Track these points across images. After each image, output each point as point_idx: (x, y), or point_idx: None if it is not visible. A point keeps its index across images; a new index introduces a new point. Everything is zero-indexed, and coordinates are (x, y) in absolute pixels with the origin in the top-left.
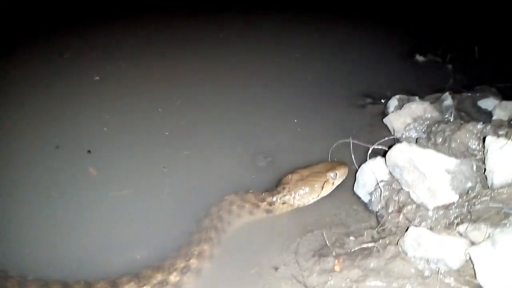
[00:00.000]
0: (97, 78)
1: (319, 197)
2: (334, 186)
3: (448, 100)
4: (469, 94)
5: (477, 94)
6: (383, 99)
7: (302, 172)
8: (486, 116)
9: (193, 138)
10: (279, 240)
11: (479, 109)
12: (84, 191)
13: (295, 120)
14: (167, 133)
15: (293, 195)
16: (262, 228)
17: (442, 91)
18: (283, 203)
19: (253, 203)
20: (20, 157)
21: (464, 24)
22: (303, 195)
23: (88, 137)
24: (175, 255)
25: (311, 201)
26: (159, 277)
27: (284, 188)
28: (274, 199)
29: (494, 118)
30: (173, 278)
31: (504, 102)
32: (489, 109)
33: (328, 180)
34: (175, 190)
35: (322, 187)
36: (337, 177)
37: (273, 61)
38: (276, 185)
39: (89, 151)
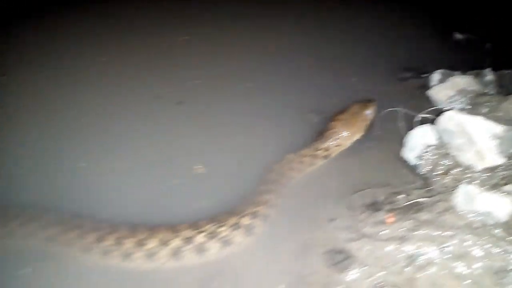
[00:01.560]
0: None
1: (362, 134)
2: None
3: (489, 75)
4: (509, 71)
5: None
6: (424, 74)
7: (342, 117)
8: None
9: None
10: (331, 198)
11: None
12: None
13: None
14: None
15: (343, 136)
16: (314, 188)
17: (482, 68)
18: (337, 145)
19: (311, 155)
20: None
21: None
22: (351, 134)
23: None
24: (244, 203)
25: (358, 137)
26: (233, 220)
27: (333, 133)
28: (328, 144)
29: None
30: (245, 221)
31: None
32: None
33: (366, 117)
34: (236, 149)
35: (364, 125)
36: (372, 113)
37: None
38: (321, 133)
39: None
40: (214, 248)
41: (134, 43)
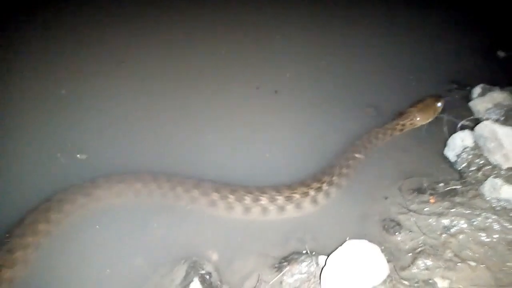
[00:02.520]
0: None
1: (431, 119)
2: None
3: None
4: None
5: None
6: (467, 87)
7: (418, 105)
8: None
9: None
10: (387, 181)
11: None
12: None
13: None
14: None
15: (417, 118)
16: (373, 173)
17: None
18: (410, 123)
19: (391, 128)
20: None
21: None
22: (422, 117)
23: None
24: (322, 172)
25: (428, 121)
26: (316, 185)
27: (409, 115)
28: (405, 121)
29: None
30: (325, 186)
31: None
32: None
33: (437, 108)
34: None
35: (434, 112)
36: (441, 106)
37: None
38: (401, 114)
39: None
40: (306, 206)
41: None
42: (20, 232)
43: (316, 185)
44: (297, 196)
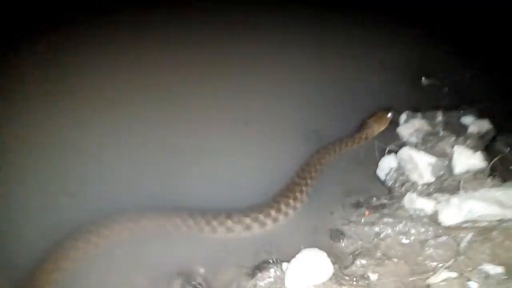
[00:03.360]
0: None
1: (384, 128)
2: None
3: (439, 117)
4: (456, 112)
5: (461, 112)
6: (396, 112)
7: (373, 117)
8: (464, 130)
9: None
10: (331, 199)
11: (461, 124)
12: None
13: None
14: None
15: (375, 127)
16: (320, 192)
17: (438, 108)
18: (371, 132)
19: (353, 140)
20: None
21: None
22: (378, 126)
23: None
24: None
25: (382, 129)
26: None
27: (368, 127)
28: (366, 133)
29: (468, 131)
30: (284, 208)
31: (478, 121)
32: (468, 124)
33: (388, 117)
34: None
35: (386, 122)
36: (391, 115)
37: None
38: (361, 126)
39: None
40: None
41: None
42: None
43: (276, 206)
44: (262, 216)
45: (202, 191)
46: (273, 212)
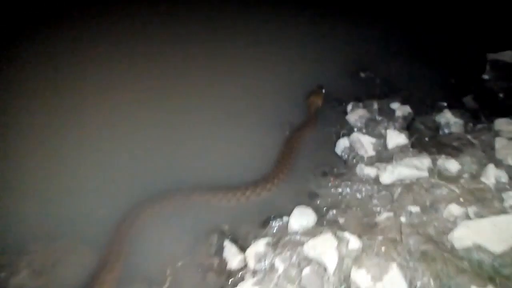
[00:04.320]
0: None
1: (322, 100)
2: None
3: (375, 105)
4: (386, 100)
5: (390, 99)
6: (344, 103)
7: (311, 96)
8: (393, 113)
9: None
10: (306, 171)
11: (391, 109)
12: None
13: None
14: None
15: (317, 102)
16: (299, 163)
17: (374, 96)
18: (317, 105)
19: (311, 119)
20: None
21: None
22: (318, 100)
23: None
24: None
25: (321, 102)
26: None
27: (311, 103)
28: (314, 108)
29: (396, 115)
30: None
31: (402, 106)
32: (395, 109)
33: (322, 92)
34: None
35: (322, 96)
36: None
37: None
38: (309, 109)
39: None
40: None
41: None
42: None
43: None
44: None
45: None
46: (269, 185)
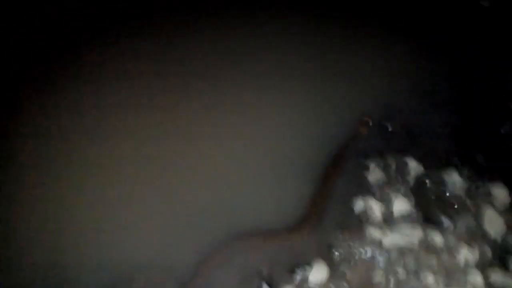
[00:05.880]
0: None
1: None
2: None
3: (393, 165)
4: (405, 156)
5: (409, 154)
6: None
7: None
8: (407, 173)
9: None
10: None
11: (406, 168)
12: None
13: None
14: None
15: (361, 133)
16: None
17: (395, 150)
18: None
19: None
20: None
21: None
22: (363, 131)
23: None
24: None
25: None
26: None
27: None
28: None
29: (410, 176)
30: None
31: (417, 166)
32: (410, 169)
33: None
34: None
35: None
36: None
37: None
38: None
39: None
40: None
41: None
42: None
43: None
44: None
45: None
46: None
